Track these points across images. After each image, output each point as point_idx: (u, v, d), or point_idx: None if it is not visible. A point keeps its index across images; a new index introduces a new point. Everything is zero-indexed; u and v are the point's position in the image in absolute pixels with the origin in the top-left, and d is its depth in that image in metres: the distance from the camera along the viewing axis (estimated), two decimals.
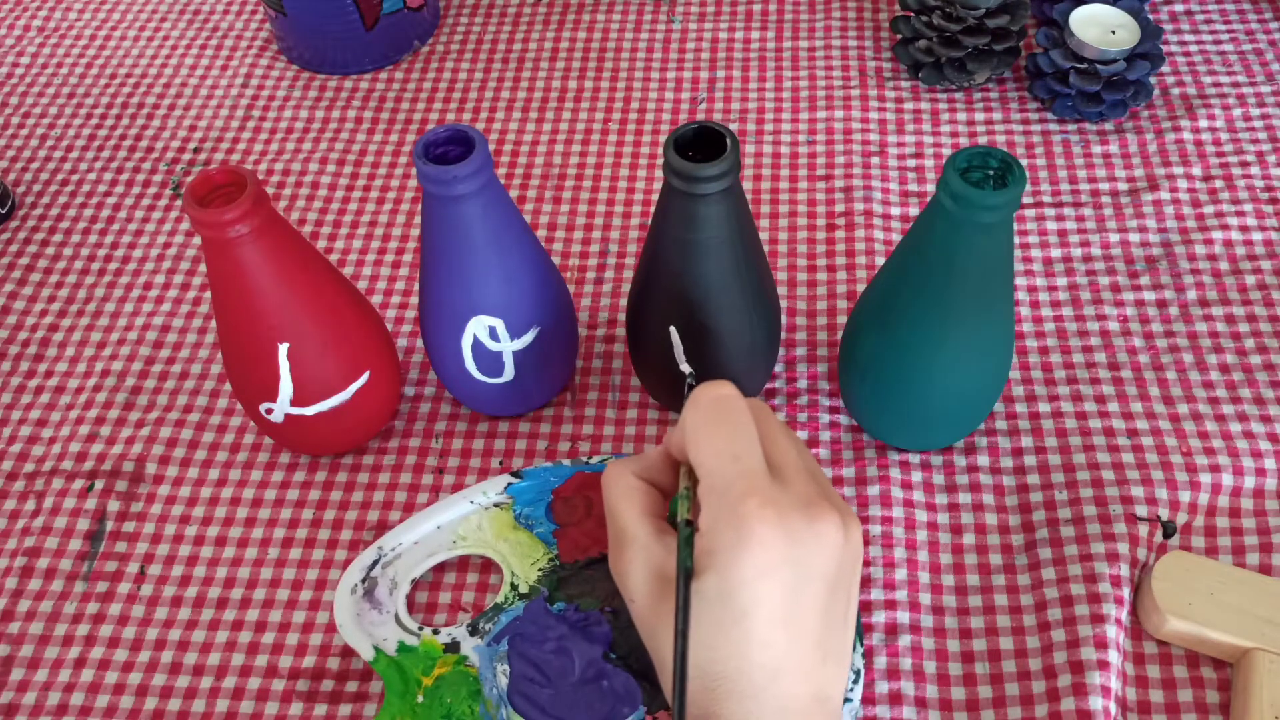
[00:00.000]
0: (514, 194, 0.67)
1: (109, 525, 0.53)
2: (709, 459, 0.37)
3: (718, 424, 0.37)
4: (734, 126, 0.70)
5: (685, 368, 0.50)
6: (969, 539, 0.52)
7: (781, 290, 0.61)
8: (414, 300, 0.62)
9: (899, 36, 0.72)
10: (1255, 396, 0.55)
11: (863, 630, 0.48)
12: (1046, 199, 0.65)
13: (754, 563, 0.34)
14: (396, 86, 0.74)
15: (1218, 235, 0.62)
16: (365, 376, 0.51)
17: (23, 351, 0.61)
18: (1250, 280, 0.60)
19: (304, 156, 0.70)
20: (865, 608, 0.49)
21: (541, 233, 0.65)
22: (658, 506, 0.40)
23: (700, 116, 0.71)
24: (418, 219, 0.66)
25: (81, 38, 0.78)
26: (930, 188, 0.66)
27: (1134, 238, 0.62)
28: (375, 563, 0.50)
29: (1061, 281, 0.61)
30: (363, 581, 0.50)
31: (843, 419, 0.56)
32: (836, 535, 0.36)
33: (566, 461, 0.53)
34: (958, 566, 0.51)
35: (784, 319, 0.57)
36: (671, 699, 0.37)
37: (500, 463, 0.55)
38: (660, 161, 0.64)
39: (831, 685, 0.37)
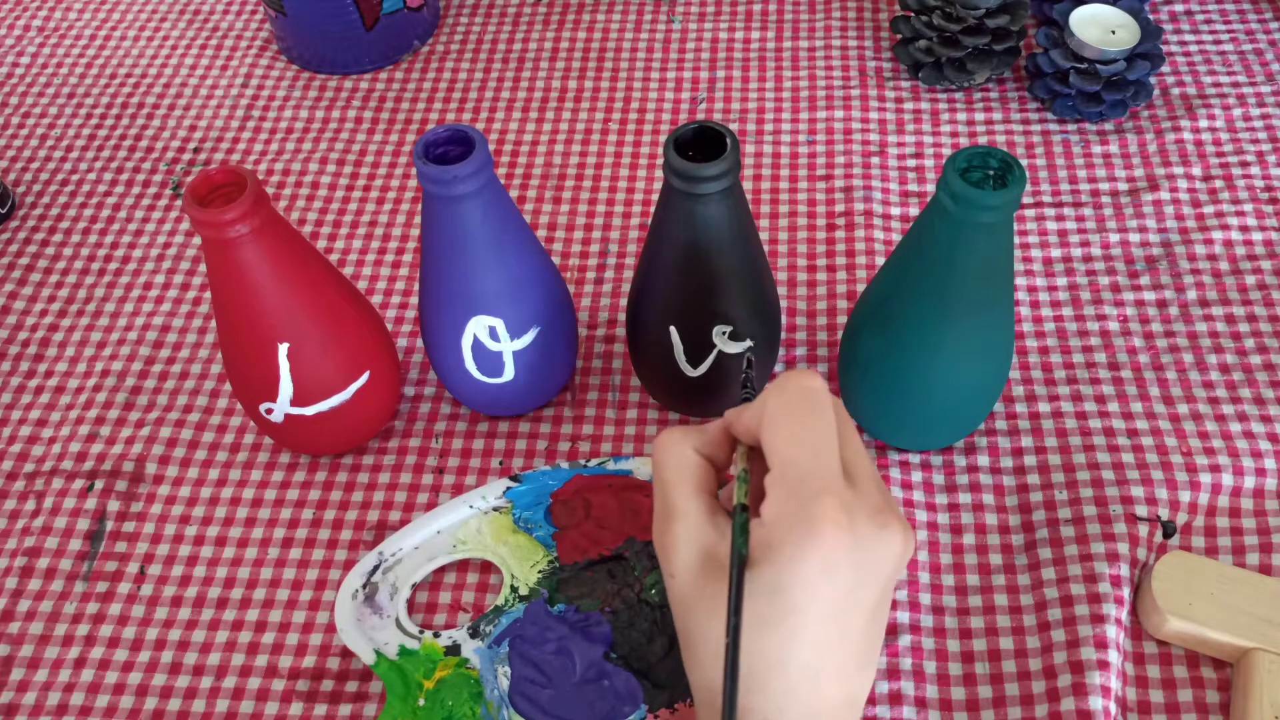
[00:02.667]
0: (514, 194, 0.67)
1: (109, 525, 0.53)
2: (787, 450, 0.36)
3: (802, 416, 0.36)
4: (734, 126, 0.70)
5: (748, 342, 0.49)
6: (969, 539, 0.52)
7: (781, 290, 0.61)
8: (414, 300, 0.62)
9: (899, 36, 0.72)
10: (1255, 396, 0.55)
11: None
12: (1046, 199, 0.65)
13: (817, 562, 0.34)
14: (396, 86, 0.74)
15: (1218, 235, 0.62)
16: (365, 376, 0.51)
17: (23, 351, 0.61)
18: (1250, 280, 0.60)
19: (304, 156, 0.70)
20: None
21: (541, 233, 0.65)
22: (711, 484, 0.39)
23: (700, 116, 0.71)
24: (418, 219, 0.66)
25: (81, 38, 0.78)
26: (930, 188, 0.66)
27: (1134, 238, 0.62)
28: (376, 568, 0.50)
29: (1061, 281, 0.61)
30: (363, 587, 0.50)
31: None
32: (899, 546, 0.35)
33: (565, 464, 0.53)
34: (958, 566, 0.51)
35: (784, 319, 0.57)
36: (695, 679, 0.37)
37: (500, 463, 0.55)
38: (660, 161, 0.64)
39: (862, 690, 0.37)
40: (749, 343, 0.49)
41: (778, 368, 0.57)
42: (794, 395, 0.37)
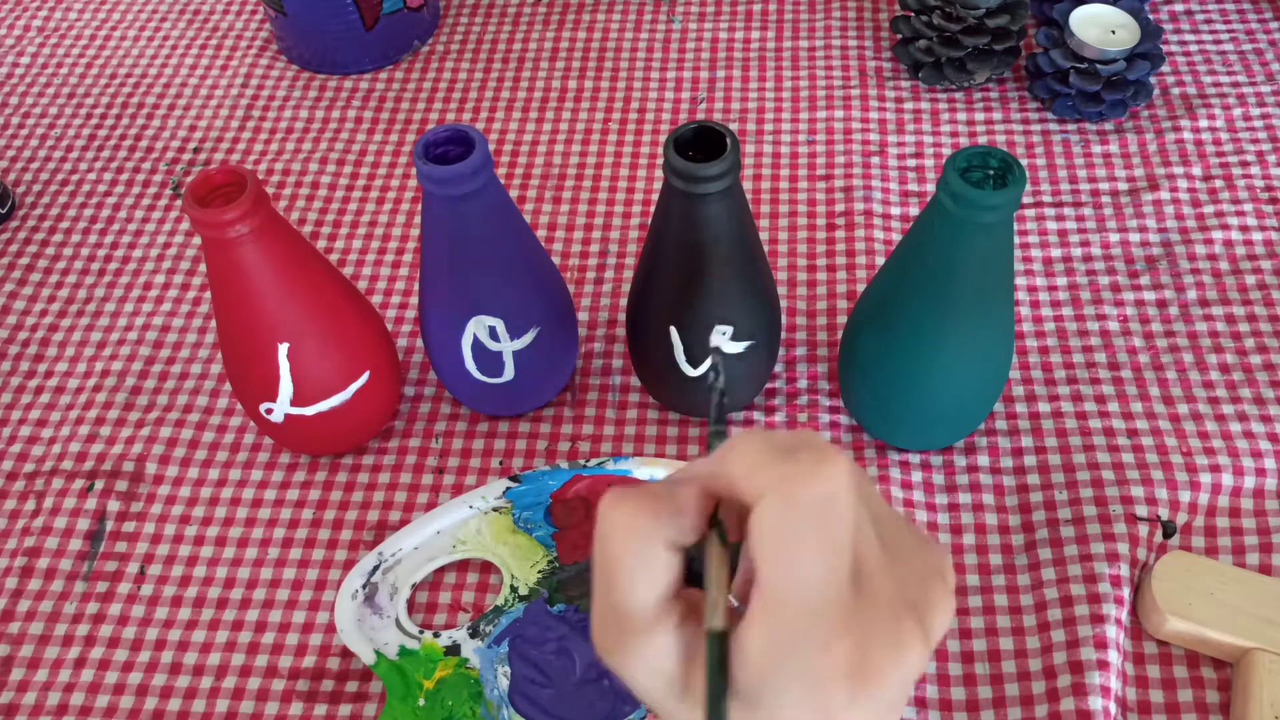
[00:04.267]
0: (514, 194, 0.67)
1: (109, 525, 0.53)
2: (785, 578, 0.27)
3: (813, 536, 0.27)
4: (734, 126, 0.70)
5: (720, 384, 0.43)
6: (969, 539, 0.52)
7: (781, 290, 0.61)
8: (414, 300, 0.62)
9: (899, 36, 0.72)
10: (1255, 396, 0.55)
11: None
12: (1046, 199, 0.65)
13: (820, 715, 0.28)
14: (396, 86, 0.74)
15: (1218, 235, 0.62)
16: (365, 376, 0.51)
17: (23, 351, 0.61)
18: (1250, 280, 0.60)
19: (304, 156, 0.70)
20: None
21: (541, 233, 0.65)
22: (680, 580, 0.29)
23: (700, 116, 0.71)
24: (418, 219, 0.66)
25: (81, 38, 0.78)
26: (930, 188, 0.66)
27: (1134, 238, 0.62)
28: (376, 568, 0.50)
29: (1061, 281, 0.61)
30: (363, 587, 0.50)
31: (843, 419, 0.56)
32: (916, 669, 0.29)
33: (565, 464, 0.53)
34: (957, 566, 0.51)
35: (784, 319, 0.57)
36: None
37: (500, 463, 0.55)
38: (660, 161, 0.64)
39: None
40: (716, 344, 0.45)
41: (778, 368, 0.57)
42: (808, 508, 0.27)
